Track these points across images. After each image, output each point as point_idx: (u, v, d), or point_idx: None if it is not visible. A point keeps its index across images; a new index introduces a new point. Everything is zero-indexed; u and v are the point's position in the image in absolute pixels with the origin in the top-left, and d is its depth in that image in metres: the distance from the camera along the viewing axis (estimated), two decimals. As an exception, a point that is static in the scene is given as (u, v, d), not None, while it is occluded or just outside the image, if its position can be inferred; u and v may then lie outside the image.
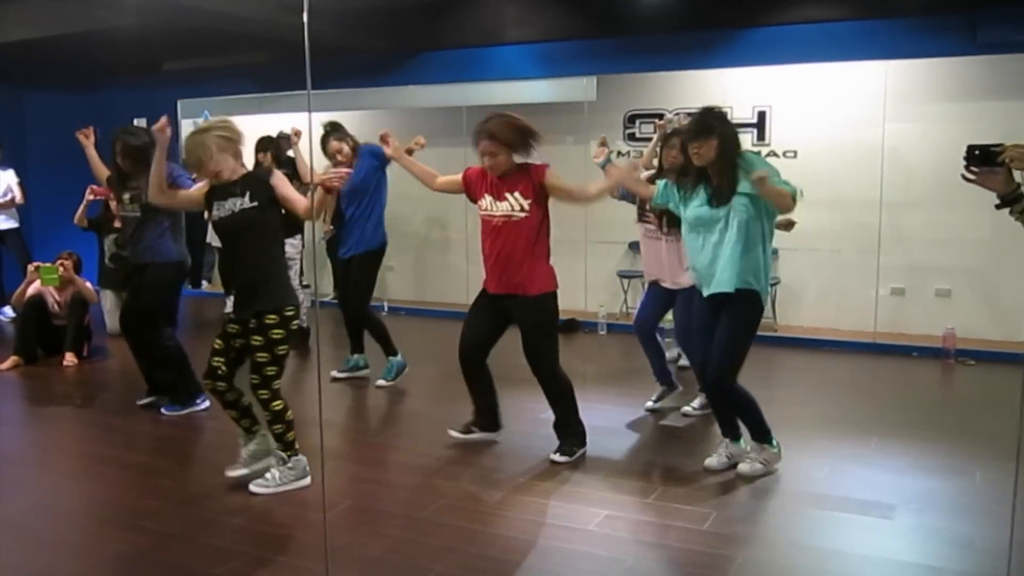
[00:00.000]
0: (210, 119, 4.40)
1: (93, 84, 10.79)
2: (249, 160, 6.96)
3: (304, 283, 9.71)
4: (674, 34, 7.98)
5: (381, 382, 6.22)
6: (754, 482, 4.32)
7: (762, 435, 4.42)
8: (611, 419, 5.40)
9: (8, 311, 8.84)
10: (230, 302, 4.20)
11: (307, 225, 9.02)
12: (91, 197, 7.56)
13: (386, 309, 9.18)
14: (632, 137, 8.47)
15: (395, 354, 6.27)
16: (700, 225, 4.25)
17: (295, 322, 4.22)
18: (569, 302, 8.71)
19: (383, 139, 5.07)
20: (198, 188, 4.43)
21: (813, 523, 3.88)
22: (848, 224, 7.71)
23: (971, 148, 2.84)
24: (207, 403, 5.52)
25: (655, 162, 5.44)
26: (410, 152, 5.46)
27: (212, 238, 9.10)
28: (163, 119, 4.39)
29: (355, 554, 3.56)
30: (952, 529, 3.78)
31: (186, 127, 10.67)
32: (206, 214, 4.39)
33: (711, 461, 4.50)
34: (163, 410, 5.57)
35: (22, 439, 5.34)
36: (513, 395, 5.03)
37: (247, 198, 4.13)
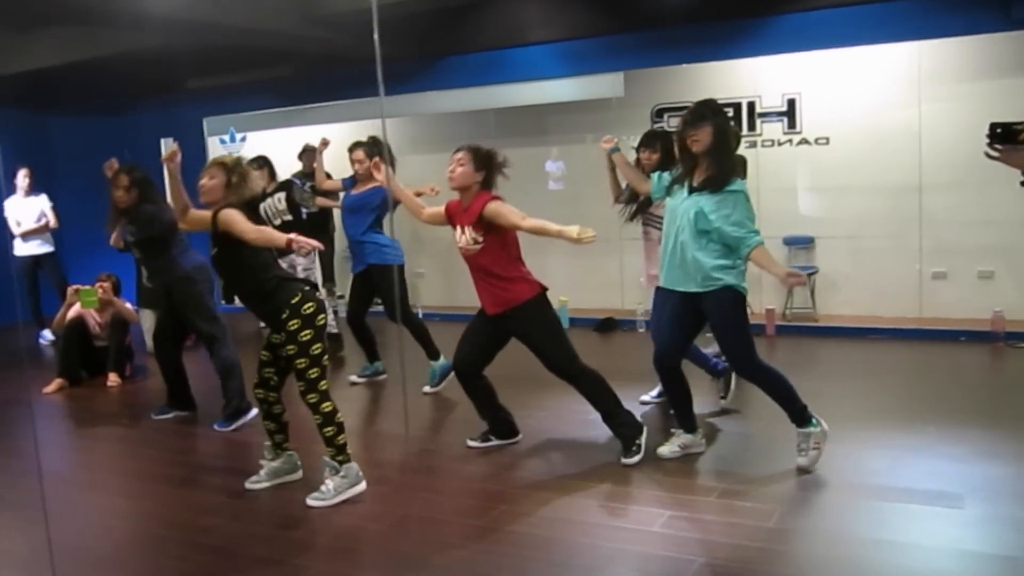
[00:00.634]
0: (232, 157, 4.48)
1: (119, 106, 10.85)
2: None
3: (339, 294, 9.74)
4: (700, 25, 7.94)
5: (427, 388, 6.23)
6: (815, 475, 4.24)
7: (801, 419, 4.35)
8: (659, 417, 5.34)
9: (47, 335, 8.89)
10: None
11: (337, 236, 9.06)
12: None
13: (420, 315, 9.15)
14: (662, 132, 8.40)
15: (437, 357, 6.27)
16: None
17: (320, 316, 4.18)
18: (605, 301, 8.72)
19: (375, 166, 5.21)
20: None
21: (881, 516, 3.79)
22: (885, 209, 7.61)
23: (993, 126, 2.91)
24: (255, 411, 5.50)
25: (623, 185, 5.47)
26: (419, 195, 5.59)
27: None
28: (172, 148, 4.55)
29: (419, 563, 3.52)
30: (1025, 517, 3.69)
31: (212, 144, 10.74)
32: None
33: (663, 450, 4.58)
34: (215, 426, 5.61)
35: (73, 461, 5.34)
36: (557, 400, 4.98)
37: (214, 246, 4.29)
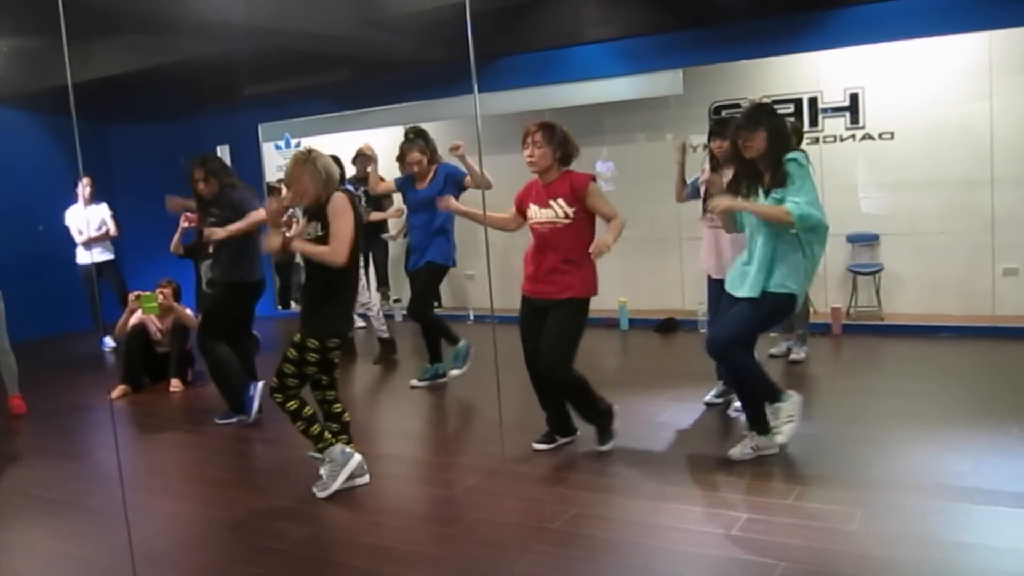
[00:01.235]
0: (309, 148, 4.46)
1: (175, 114, 10.97)
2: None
3: (394, 298, 9.75)
4: (760, 20, 7.79)
5: (455, 372, 6.29)
6: (895, 477, 4.11)
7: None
8: (726, 419, 5.24)
9: (109, 341, 8.99)
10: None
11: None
12: (185, 225, 7.66)
13: (472, 318, 9.13)
14: (718, 130, 8.27)
15: (456, 342, 6.33)
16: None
17: (334, 352, 4.36)
18: (666, 301, 8.61)
19: (454, 149, 5.66)
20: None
21: (968, 519, 3.66)
22: (954, 205, 7.41)
23: None
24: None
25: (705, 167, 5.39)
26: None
27: (300, 258, 9.21)
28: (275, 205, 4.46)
29: (495, 569, 3.46)
30: (1124, 519, 3.53)
31: (267, 151, 10.81)
32: None
33: (735, 452, 4.48)
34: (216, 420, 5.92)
35: (140, 466, 5.36)
36: (618, 401, 4.89)
37: (319, 226, 4.28)
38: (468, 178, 6.04)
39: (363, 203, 8.33)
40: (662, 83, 8.17)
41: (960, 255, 7.45)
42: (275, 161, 10.70)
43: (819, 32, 7.65)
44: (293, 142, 10.58)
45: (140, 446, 5.86)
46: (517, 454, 4.85)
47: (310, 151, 4.34)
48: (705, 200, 5.27)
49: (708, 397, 5.53)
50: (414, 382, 6.53)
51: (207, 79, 9.77)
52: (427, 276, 6.30)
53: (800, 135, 5.95)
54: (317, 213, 4.28)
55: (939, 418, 4.97)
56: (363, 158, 8.91)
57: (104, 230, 9.10)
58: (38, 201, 9.78)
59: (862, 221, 7.81)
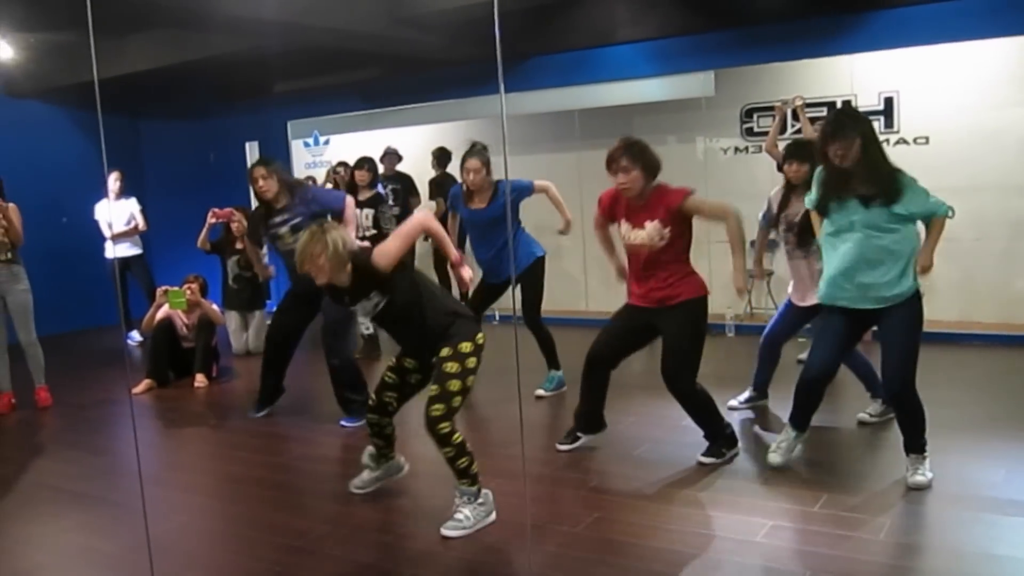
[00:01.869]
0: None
1: (204, 110, 11.03)
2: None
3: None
4: (793, 22, 7.69)
5: (540, 392, 6.13)
6: (927, 487, 4.02)
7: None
8: (751, 423, 5.18)
9: (136, 335, 9.04)
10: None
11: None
12: (213, 221, 7.71)
13: (497, 318, 9.07)
14: (750, 132, 8.18)
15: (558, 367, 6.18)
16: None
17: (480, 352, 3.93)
18: (694, 305, 8.50)
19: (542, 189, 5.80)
20: None
21: (1000, 531, 3.57)
22: (990, 211, 7.26)
23: None
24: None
25: (780, 146, 5.28)
26: None
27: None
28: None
29: (512, 570, 3.42)
30: None
31: (296, 147, 10.84)
32: None
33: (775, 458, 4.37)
34: (342, 422, 5.68)
35: (163, 461, 5.37)
36: (645, 405, 4.84)
37: (379, 296, 3.85)
38: (537, 185, 5.90)
39: (390, 201, 8.31)
40: (693, 85, 8.08)
41: (994, 262, 7.31)
42: (304, 158, 10.73)
43: (854, 34, 7.54)
44: (322, 139, 10.61)
45: (164, 441, 5.87)
46: (539, 456, 4.81)
47: (323, 225, 3.76)
48: (788, 231, 5.22)
49: (733, 402, 5.46)
50: (539, 391, 6.17)
51: (237, 75, 9.79)
52: (530, 280, 6.15)
53: None
54: (361, 284, 3.83)
55: (971, 427, 4.87)
56: (391, 156, 8.93)
57: (133, 224, 9.15)
58: (69, 196, 9.84)
59: (894, 226, 7.67)
